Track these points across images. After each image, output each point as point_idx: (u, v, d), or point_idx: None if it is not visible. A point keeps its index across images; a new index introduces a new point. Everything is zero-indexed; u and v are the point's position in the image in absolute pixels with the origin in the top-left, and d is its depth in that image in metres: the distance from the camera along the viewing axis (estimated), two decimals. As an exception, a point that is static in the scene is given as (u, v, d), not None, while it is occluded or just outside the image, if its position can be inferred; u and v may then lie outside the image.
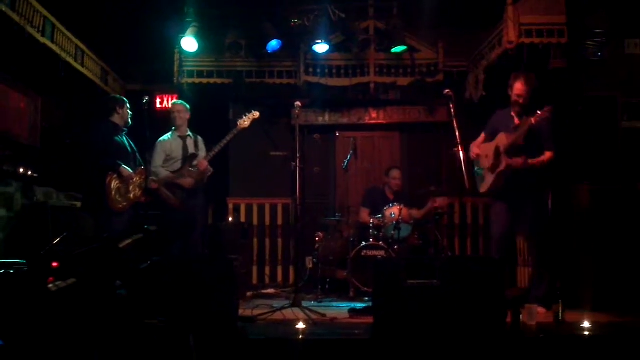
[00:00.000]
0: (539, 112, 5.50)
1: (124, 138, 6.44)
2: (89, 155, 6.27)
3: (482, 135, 6.11)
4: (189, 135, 6.91)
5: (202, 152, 6.87)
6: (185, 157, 6.74)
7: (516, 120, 5.81)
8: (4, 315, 3.73)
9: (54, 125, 8.12)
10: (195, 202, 6.77)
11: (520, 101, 5.79)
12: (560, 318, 5.16)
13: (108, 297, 3.93)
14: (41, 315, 3.71)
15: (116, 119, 6.40)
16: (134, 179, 6.22)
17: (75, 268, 3.94)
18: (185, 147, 6.82)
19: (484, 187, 6.04)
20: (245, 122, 6.76)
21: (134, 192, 6.21)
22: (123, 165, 6.16)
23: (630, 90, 6.94)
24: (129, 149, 6.41)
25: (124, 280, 4.12)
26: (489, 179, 5.92)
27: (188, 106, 7.00)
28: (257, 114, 6.81)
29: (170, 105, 7.03)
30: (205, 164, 6.66)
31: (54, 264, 3.95)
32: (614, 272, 6.16)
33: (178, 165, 6.74)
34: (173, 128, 6.90)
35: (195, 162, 6.66)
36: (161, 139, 6.86)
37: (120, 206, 6.12)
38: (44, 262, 3.94)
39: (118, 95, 6.81)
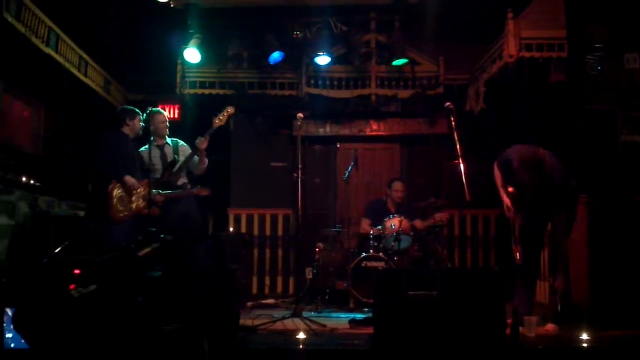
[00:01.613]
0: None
1: (133, 149, 6.40)
2: (94, 164, 6.24)
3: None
4: (166, 143, 6.77)
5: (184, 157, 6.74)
6: (165, 166, 6.54)
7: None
8: (29, 319, 3.80)
9: (57, 134, 8.15)
10: (190, 219, 6.61)
11: None
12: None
13: (127, 303, 3.97)
14: (64, 320, 3.77)
15: (126, 130, 6.35)
16: (138, 190, 6.16)
17: (96, 275, 3.98)
18: (163, 156, 6.65)
19: None
20: (220, 120, 6.59)
21: (137, 203, 6.14)
22: (127, 175, 6.12)
23: (630, 104, 6.98)
24: (136, 160, 6.38)
25: (140, 287, 4.16)
26: None
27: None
28: (231, 110, 6.64)
29: (156, 115, 6.79)
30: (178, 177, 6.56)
31: (76, 271, 4.00)
32: (613, 285, 6.19)
33: (158, 175, 6.49)
34: (152, 138, 6.65)
35: (175, 169, 6.51)
36: (140, 150, 6.66)
37: (122, 215, 6.04)
38: (64, 269, 4.00)
39: (130, 107, 6.72)
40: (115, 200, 6.02)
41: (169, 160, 6.58)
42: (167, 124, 6.78)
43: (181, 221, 6.48)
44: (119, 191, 6.06)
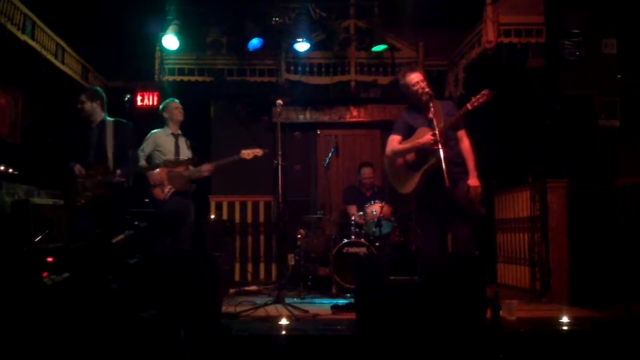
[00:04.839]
0: (474, 97, 5.54)
1: (92, 132, 6.34)
2: (55, 154, 6.32)
3: (396, 137, 5.87)
4: (180, 134, 6.96)
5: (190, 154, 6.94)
6: (178, 156, 6.76)
7: (430, 114, 5.63)
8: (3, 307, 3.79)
9: (35, 123, 8.08)
10: (186, 200, 6.82)
11: (428, 90, 5.70)
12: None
13: (101, 290, 3.97)
14: (38, 307, 3.76)
15: (83, 114, 6.39)
16: (94, 176, 6.16)
17: (69, 263, 3.98)
18: (177, 145, 6.84)
19: (409, 188, 5.76)
20: (248, 154, 6.82)
21: (93, 189, 6.15)
22: (73, 162, 6.14)
23: (607, 90, 7.03)
24: (92, 143, 6.32)
25: (115, 274, 4.16)
26: (415, 178, 5.69)
27: None
28: (260, 152, 6.89)
29: (171, 103, 6.96)
30: (209, 168, 6.89)
31: (49, 259, 3.99)
32: (591, 268, 6.28)
33: (166, 157, 6.67)
34: (166, 125, 6.91)
35: (199, 166, 6.82)
36: (155, 131, 6.87)
37: (79, 203, 6.11)
38: (37, 257, 3.99)
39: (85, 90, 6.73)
40: (71, 189, 6.08)
41: (181, 153, 6.81)
42: (182, 109, 6.98)
43: (178, 214, 6.58)
44: (72, 179, 6.12)
